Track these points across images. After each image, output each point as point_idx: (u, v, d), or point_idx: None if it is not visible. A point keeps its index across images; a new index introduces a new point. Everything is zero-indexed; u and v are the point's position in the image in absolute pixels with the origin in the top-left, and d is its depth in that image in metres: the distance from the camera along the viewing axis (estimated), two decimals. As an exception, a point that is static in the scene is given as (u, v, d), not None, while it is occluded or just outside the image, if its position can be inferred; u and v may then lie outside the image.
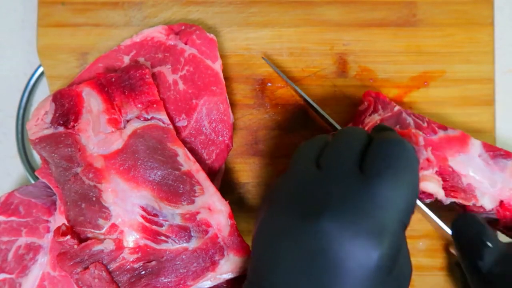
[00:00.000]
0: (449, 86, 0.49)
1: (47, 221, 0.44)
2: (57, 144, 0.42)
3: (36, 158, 0.52)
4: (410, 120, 0.45)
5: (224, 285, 0.41)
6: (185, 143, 0.43)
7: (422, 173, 0.42)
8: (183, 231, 0.40)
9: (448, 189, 0.43)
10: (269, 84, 0.49)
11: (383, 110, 0.45)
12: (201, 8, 0.50)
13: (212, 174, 0.45)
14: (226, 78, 0.47)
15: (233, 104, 0.49)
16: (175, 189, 0.41)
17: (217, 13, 0.50)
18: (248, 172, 0.49)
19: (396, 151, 0.32)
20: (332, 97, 0.49)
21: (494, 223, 0.44)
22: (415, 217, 0.48)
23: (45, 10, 0.50)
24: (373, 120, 0.44)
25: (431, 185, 0.42)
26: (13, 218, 0.44)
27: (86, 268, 0.39)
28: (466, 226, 0.41)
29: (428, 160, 0.42)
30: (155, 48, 0.46)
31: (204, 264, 0.39)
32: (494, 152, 0.44)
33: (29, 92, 0.52)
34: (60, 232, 0.40)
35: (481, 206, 0.43)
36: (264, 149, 0.49)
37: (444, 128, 0.45)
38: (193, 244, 0.40)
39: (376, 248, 0.28)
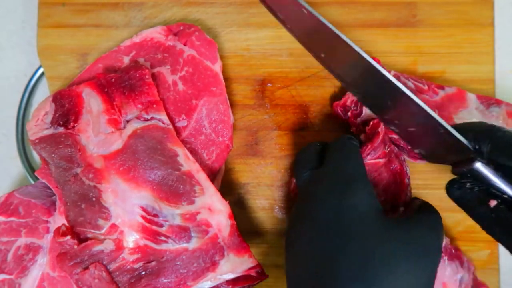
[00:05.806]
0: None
1: (47, 222, 0.44)
2: (57, 145, 0.42)
3: (36, 158, 0.52)
4: (410, 83, 0.46)
5: (224, 285, 0.41)
6: (185, 143, 0.43)
7: None
8: (183, 232, 0.40)
9: None
10: (269, 84, 0.49)
11: None
12: (201, 9, 0.50)
13: (212, 174, 0.45)
14: (226, 78, 0.47)
15: (233, 105, 0.49)
16: (175, 189, 0.41)
17: (217, 13, 0.50)
18: (248, 173, 0.49)
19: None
20: (332, 98, 0.49)
21: None
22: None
23: (45, 11, 0.50)
24: None
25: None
26: (12, 218, 0.44)
27: (86, 268, 0.39)
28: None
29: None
30: (155, 49, 0.46)
31: (204, 264, 0.39)
32: (488, 101, 0.47)
33: (29, 92, 0.52)
34: (60, 232, 0.40)
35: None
36: (264, 150, 0.49)
37: (442, 87, 0.47)
38: (193, 244, 0.40)
39: None
